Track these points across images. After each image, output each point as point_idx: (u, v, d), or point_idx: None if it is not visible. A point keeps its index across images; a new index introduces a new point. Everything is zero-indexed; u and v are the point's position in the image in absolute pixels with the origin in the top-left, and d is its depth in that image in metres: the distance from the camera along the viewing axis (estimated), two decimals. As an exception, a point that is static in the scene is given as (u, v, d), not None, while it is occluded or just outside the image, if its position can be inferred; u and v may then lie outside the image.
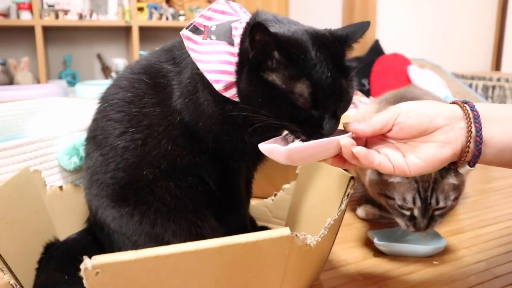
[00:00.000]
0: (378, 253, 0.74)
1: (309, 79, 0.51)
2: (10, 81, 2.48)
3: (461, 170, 0.54)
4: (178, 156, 0.61)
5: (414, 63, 2.52)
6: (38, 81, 2.55)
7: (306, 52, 0.52)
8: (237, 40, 0.56)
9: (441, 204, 0.69)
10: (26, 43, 2.66)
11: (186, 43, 0.57)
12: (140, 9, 2.71)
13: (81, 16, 2.57)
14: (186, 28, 0.57)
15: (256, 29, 0.50)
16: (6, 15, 2.47)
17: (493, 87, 2.50)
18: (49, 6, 2.55)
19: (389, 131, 0.52)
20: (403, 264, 0.71)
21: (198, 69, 0.57)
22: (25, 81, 2.46)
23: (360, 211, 0.90)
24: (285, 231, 0.41)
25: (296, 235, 0.43)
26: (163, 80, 0.62)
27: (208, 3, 2.95)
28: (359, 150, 0.50)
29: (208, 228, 0.63)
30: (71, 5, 2.59)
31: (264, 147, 0.53)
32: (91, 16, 2.61)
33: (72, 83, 2.67)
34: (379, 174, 0.71)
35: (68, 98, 1.36)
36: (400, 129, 0.51)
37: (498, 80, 2.51)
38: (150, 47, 2.89)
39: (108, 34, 2.91)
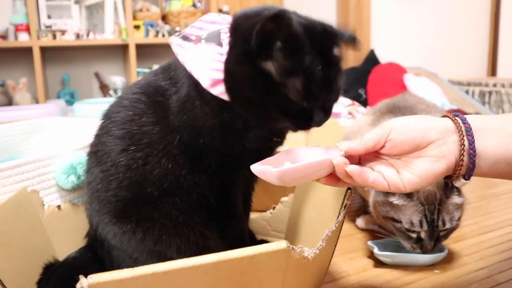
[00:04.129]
0: (378, 263, 0.74)
1: (303, 73, 0.52)
2: (9, 102, 2.49)
3: (457, 184, 0.53)
4: (180, 175, 0.61)
5: (410, 72, 2.53)
6: (37, 101, 2.56)
7: (303, 45, 0.52)
8: (225, 41, 0.55)
9: (447, 226, 0.69)
10: (24, 64, 2.68)
11: (174, 48, 0.58)
12: (137, 27, 2.74)
13: (78, 36, 2.60)
14: (176, 36, 0.59)
15: (272, 19, 0.49)
16: (4, 37, 2.49)
17: (490, 93, 2.51)
18: (46, 27, 2.58)
19: (382, 147, 0.52)
20: (404, 274, 0.70)
21: (194, 86, 0.57)
22: (24, 102, 2.48)
23: (360, 222, 0.90)
24: (281, 244, 0.41)
25: (292, 248, 0.43)
26: (160, 98, 0.62)
27: (203, 19, 2.98)
28: (353, 168, 0.50)
29: (216, 238, 0.63)
30: (68, 25, 2.62)
31: (256, 168, 0.53)
32: (88, 35, 2.63)
33: (70, 102, 2.68)
34: (385, 195, 0.71)
35: (65, 117, 1.36)
36: (393, 146, 0.51)
37: (494, 85, 2.53)
38: (147, 64, 2.91)
39: (105, 53, 2.94)
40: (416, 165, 0.50)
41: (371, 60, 2.76)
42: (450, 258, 0.75)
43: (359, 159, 0.55)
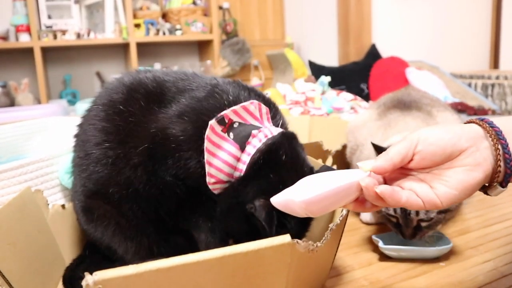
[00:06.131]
0: (383, 257, 0.74)
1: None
2: (11, 103, 2.50)
3: (492, 194, 0.49)
4: (146, 187, 0.61)
5: (412, 65, 2.53)
6: (39, 102, 2.57)
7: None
8: (249, 149, 0.56)
9: (421, 216, 0.69)
10: (26, 65, 2.69)
11: (208, 132, 0.55)
12: (137, 26, 2.74)
13: (78, 36, 2.60)
14: (216, 119, 0.55)
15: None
16: (5, 38, 2.50)
17: (492, 85, 2.50)
18: (47, 27, 2.58)
19: (409, 162, 0.47)
20: (410, 268, 0.70)
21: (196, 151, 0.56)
22: (26, 102, 2.48)
23: (364, 216, 0.90)
24: (285, 238, 0.41)
25: (297, 241, 0.43)
26: (157, 107, 0.61)
27: (204, 17, 2.97)
28: (383, 189, 0.45)
29: (173, 247, 0.64)
30: (68, 25, 2.62)
31: (277, 200, 0.47)
32: (88, 35, 2.64)
33: (72, 102, 2.69)
34: None
35: (68, 117, 1.36)
36: (422, 158, 0.46)
37: (497, 78, 2.51)
38: (149, 63, 2.91)
39: (106, 52, 2.94)
40: (450, 176, 0.46)
41: (373, 54, 2.75)
42: (455, 251, 0.75)
43: (384, 180, 0.49)
